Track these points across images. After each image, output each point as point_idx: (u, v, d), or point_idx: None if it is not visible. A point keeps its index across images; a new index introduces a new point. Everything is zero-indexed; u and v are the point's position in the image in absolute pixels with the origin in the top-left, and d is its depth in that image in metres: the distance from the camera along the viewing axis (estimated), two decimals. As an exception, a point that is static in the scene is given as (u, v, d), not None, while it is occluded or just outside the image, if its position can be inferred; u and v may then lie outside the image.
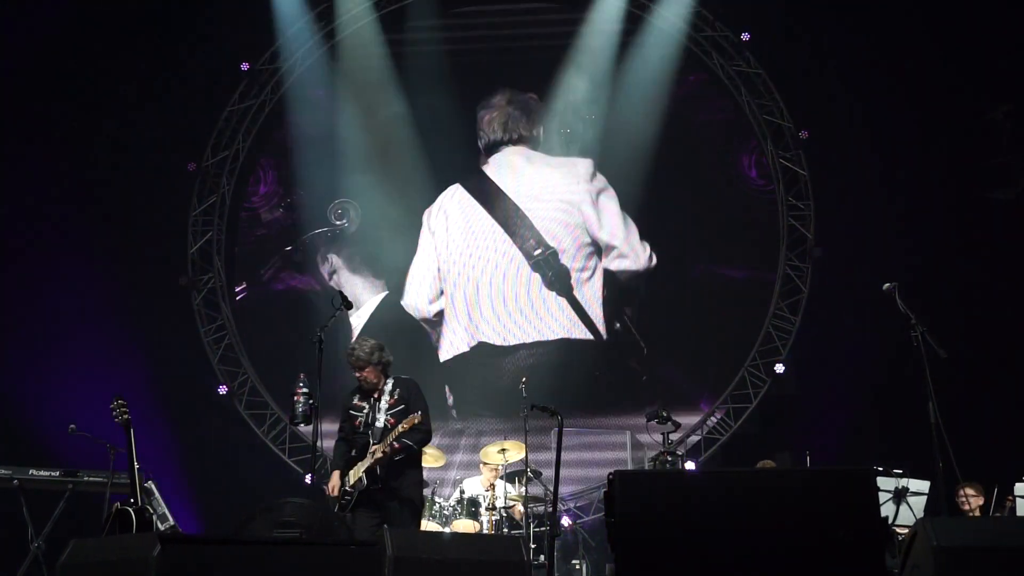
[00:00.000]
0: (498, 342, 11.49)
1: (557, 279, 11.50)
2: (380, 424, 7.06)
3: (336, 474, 7.13)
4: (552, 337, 11.40)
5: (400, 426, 6.93)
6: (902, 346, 6.82)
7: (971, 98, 10.87)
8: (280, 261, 12.03)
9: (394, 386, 7.21)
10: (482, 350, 11.46)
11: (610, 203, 11.60)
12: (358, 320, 11.64)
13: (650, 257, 11.48)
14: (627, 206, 11.64)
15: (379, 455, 6.91)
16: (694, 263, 11.69)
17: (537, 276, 11.56)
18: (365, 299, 11.78)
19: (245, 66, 11.92)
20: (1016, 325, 10.27)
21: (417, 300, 11.73)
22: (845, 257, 10.98)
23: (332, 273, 11.87)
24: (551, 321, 11.45)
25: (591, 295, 11.48)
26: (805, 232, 11.34)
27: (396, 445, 6.93)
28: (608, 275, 11.51)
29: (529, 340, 11.44)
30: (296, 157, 12.12)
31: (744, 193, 11.83)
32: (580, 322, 11.40)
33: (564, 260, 11.53)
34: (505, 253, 11.64)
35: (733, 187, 11.84)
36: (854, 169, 11.13)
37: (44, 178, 11.26)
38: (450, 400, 11.44)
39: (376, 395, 7.19)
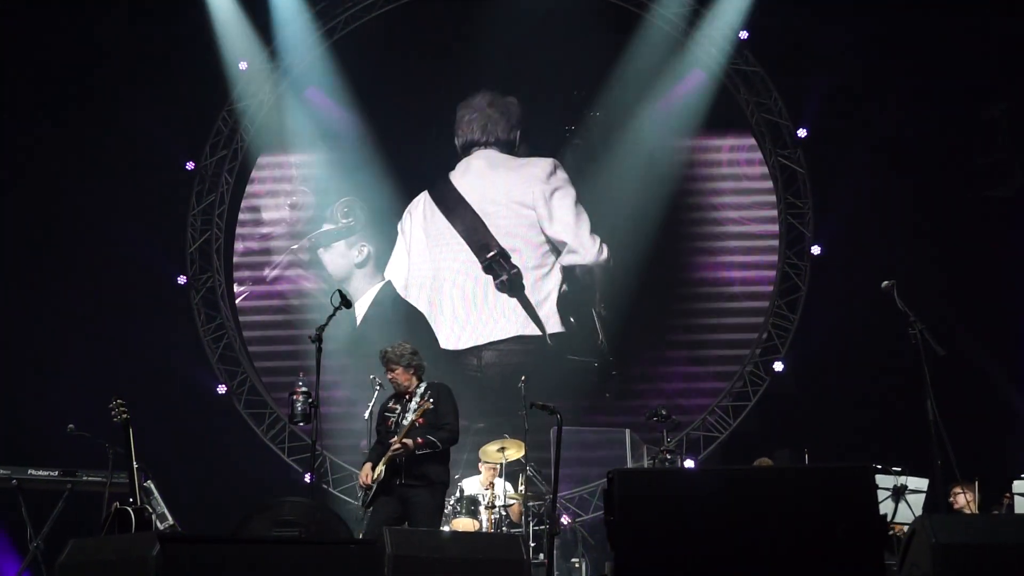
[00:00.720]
0: (452, 346, 11.58)
1: (508, 280, 11.58)
2: (407, 422, 7.12)
3: (367, 465, 7.19)
4: (504, 336, 11.51)
5: (416, 410, 7.02)
6: (900, 344, 6.83)
7: (969, 96, 10.87)
8: (286, 260, 12.05)
9: (426, 389, 7.34)
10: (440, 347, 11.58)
11: (564, 200, 11.71)
12: (359, 309, 11.70)
13: (600, 250, 11.56)
14: (626, 203, 11.63)
15: (396, 446, 6.97)
16: (694, 261, 11.70)
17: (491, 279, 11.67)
18: (364, 288, 11.86)
19: (243, 65, 11.91)
20: (1014, 322, 10.28)
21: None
22: (843, 255, 10.99)
23: (364, 262, 11.91)
24: (504, 322, 11.55)
25: (547, 291, 11.56)
26: (803, 230, 11.36)
27: (419, 440, 6.99)
28: (566, 271, 11.60)
29: (482, 342, 11.55)
30: (298, 156, 12.16)
31: (743, 191, 11.84)
32: (531, 321, 11.51)
33: (520, 259, 11.61)
34: (460, 258, 11.75)
35: (731, 185, 11.85)
36: (852, 167, 11.13)
37: (43, 177, 11.26)
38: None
39: (408, 397, 7.31)
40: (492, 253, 11.63)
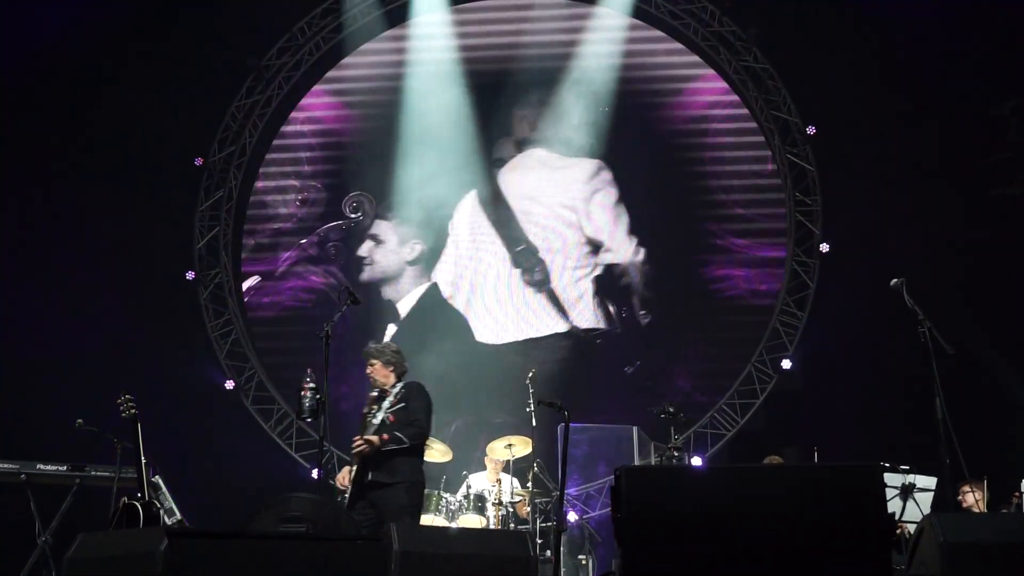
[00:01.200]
0: (492, 340, 11.69)
1: (535, 275, 11.68)
2: (377, 420, 7.07)
3: (346, 468, 7.15)
4: (545, 333, 11.60)
5: (388, 408, 6.99)
6: (909, 342, 6.80)
7: (978, 93, 10.83)
8: (294, 255, 12.06)
9: (401, 388, 7.28)
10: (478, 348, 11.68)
11: (604, 200, 11.78)
12: (404, 306, 11.85)
13: (635, 251, 11.60)
14: (634, 201, 11.68)
15: (358, 443, 6.91)
16: (702, 258, 11.70)
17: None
18: (410, 287, 11.96)
19: (252, 61, 11.94)
20: (1023, 320, 10.25)
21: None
22: (852, 253, 10.96)
23: (416, 260, 11.98)
24: (545, 318, 11.66)
25: (583, 290, 11.62)
26: (812, 228, 11.33)
27: (385, 436, 6.92)
28: (604, 271, 11.65)
29: (521, 338, 11.65)
30: (307, 151, 12.18)
31: (752, 188, 11.83)
32: (563, 318, 11.62)
33: (559, 259, 11.70)
34: (501, 255, 11.87)
35: (741, 182, 11.84)
36: (862, 165, 11.11)
37: (51, 173, 11.29)
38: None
39: (384, 396, 7.26)
40: (520, 247, 11.73)
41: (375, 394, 7.38)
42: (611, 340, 11.56)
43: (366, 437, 6.93)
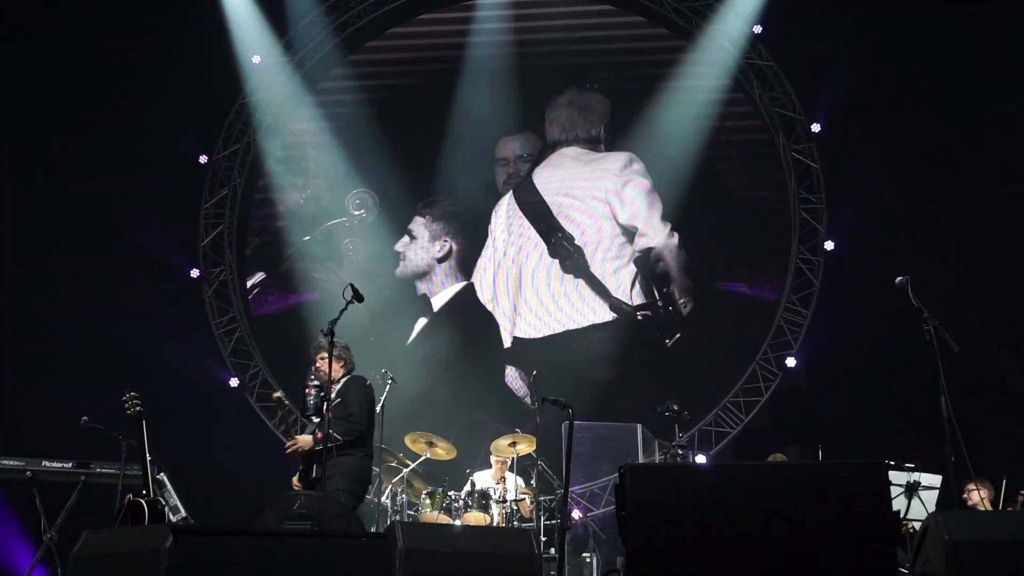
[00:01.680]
0: (534, 334, 11.80)
1: (572, 261, 11.78)
2: (318, 419, 7.02)
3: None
4: (584, 324, 11.73)
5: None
6: (914, 340, 6.79)
7: (985, 91, 10.81)
8: (298, 252, 12.06)
9: (343, 383, 7.21)
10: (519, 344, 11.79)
11: (636, 188, 11.88)
12: (438, 302, 11.95)
13: (670, 234, 11.63)
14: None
15: (288, 445, 6.87)
16: (705, 256, 11.69)
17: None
18: (441, 284, 12.04)
19: (256, 59, 11.94)
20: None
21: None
22: (857, 251, 10.95)
23: (444, 257, 12.06)
24: (584, 309, 11.77)
25: (620, 281, 11.68)
26: (817, 225, 11.31)
27: (318, 434, 6.85)
28: (641, 256, 11.73)
29: (560, 330, 11.73)
30: (312, 149, 12.18)
31: (756, 186, 11.81)
32: (604, 304, 11.68)
33: (598, 252, 11.81)
34: (540, 250, 11.98)
35: (745, 179, 11.83)
36: (867, 162, 11.09)
37: (56, 171, 11.30)
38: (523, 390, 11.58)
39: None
40: (557, 236, 11.85)
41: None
42: (629, 326, 11.60)
43: (297, 438, 6.89)
